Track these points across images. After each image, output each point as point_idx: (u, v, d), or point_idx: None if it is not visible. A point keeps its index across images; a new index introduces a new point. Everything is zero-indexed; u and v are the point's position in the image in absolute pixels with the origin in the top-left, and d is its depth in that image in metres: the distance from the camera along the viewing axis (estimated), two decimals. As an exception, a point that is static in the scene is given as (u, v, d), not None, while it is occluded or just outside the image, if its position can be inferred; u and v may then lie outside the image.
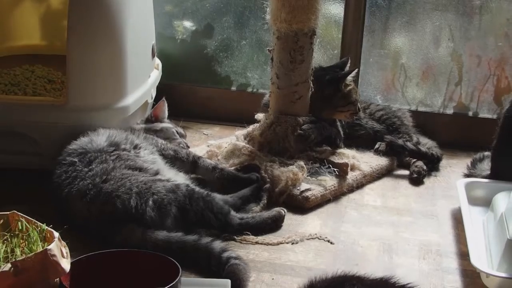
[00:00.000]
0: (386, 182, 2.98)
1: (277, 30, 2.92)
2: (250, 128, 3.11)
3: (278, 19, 2.89)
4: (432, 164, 3.10)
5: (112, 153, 2.48)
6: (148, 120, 2.97)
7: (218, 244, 2.18)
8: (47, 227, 1.83)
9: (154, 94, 3.22)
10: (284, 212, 2.54)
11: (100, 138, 2.55)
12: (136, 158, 2.51)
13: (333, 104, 3.04)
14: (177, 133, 2.94)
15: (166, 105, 3.01)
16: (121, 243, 2.18)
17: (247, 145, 2.94)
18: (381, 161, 3.05)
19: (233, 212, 2.42)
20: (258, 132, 3.00)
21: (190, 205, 2.34)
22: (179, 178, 2.53)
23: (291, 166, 2.77)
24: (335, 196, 2.77)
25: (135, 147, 2.59)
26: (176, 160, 2.70)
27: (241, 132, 3.14)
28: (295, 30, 2.89)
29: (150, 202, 2.29)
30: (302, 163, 2.80)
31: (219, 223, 2.37)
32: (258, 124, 3.06)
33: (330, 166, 2.84)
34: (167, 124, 2.96)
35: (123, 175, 2.37)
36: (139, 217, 2.27)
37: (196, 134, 3.41)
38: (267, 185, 2.66)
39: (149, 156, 2.58)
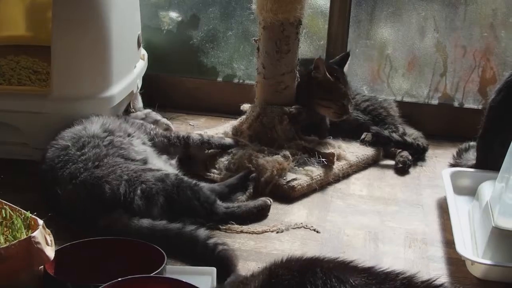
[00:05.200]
0: (372, 172, 2.98)
1: (263, 20, 2.92)
2: (236, 122, 3.10)
3: (264, 9, 2.88)
4: (418, 155, 3.10)
5: (105, 139, 2.49)
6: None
7: (203, 232, 2.19)
8: (31, 214, 1.83)
9: (140, 85, 3.22)
10: (270, 202, 2.53)
11: (94, 126, 2.56)
12: (129, 146, 2.51)
13: (313, 94, 3.03)
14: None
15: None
16: (106, 229, 2.18)
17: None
18: (367, 151, 3.04)
19: (219, 201, 2.43)
20: (246, 126, 2.99)
21: (178, 194, 2.34)
22: (169, 168, 2.54)
23: (276, 156, 2.77)
24: (321, 186, 2.77)
25: (129, 135, 2.60)
26: (170, 147, 2.73)
27: (228, 125, 3.13)
28: (281, 20, 2.88)
29: (139, 191, 2.29)
30: (287, 153, 2.80)
31: (205, 212, 2.37)
32: (244, 117, 3.06)
33: (320, 156, 2.83)
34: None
35: (116, 162, 2.38)
36: (127, 205, 2.27)
37: (182, 125, 3.39)
38: (254, 174, 2.66)
39: (140, 146, 2.59)
